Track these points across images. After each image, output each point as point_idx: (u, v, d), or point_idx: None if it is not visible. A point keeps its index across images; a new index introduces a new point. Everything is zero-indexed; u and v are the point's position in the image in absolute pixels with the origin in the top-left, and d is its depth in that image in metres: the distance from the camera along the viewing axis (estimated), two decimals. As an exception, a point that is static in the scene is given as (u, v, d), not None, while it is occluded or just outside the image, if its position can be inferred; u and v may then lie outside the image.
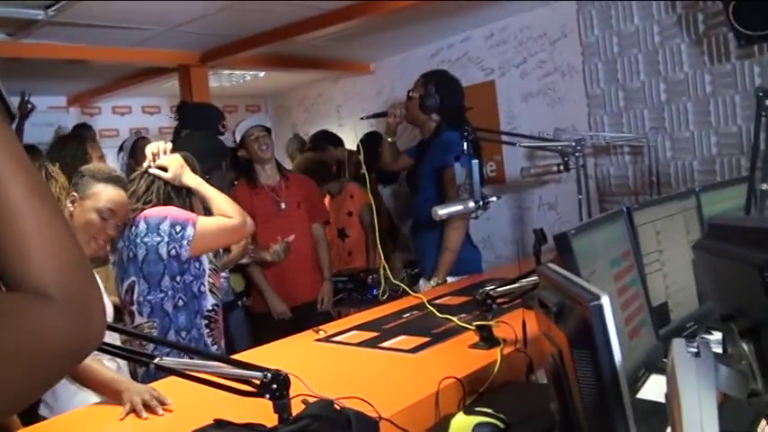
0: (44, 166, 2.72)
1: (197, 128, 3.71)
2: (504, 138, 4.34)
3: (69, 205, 2.37)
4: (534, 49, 4.88)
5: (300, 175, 4.34)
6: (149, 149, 2.68)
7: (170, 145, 2.71)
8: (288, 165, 5.17)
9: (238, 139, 3.91)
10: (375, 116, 4.07)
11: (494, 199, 3.18)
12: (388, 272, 3.24)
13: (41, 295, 0.72)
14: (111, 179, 2.44)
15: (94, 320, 0.75)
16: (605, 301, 1.09)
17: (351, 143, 5.44)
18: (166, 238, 2.47)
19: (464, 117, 3.78)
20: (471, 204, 3.12)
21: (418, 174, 3.85)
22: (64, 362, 0.73)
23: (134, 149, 5.04)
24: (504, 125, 5.04)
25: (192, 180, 2.65)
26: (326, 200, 4.72)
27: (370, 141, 4.53)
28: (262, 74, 6.27)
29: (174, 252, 2.48)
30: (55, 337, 0.71)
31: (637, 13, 4.22)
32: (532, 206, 4.98)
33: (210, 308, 2.58)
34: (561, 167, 3.66)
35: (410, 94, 3.81)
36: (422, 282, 3.68)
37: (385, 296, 3.38)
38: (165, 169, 2.63)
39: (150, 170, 2.64)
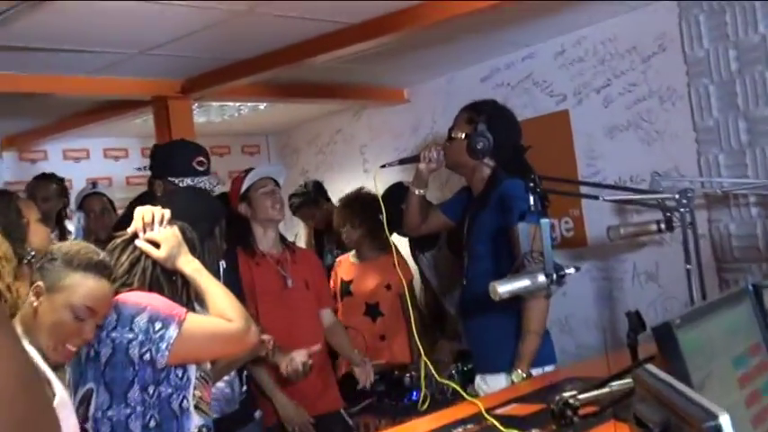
0: None
1: (163, 173, 3.76)
2: (583, 188, 4.33)
3: (33, 299, 2.29)
4: (621, 68, 4.91)
5: (305, 249, 4.50)
6: (139, 214, 2.69)
7: (168, 213, 2.72)
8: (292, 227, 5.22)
9: (244, 188, 3.97)
10: (402, 162, 4.07)
11: (571, 270, 3.15)
12: (432, 369, 3.21)
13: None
14: (91, 266, 2.36)
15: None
16: (725, 420, 1.07)
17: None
18: (141, 337, 2.42)
19: (524, 160, 3.79)
20: (542, 278, 3.09)
21: (469, 236, 3.84)
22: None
23: (87, 207, 5.10)
24: (582, 170, 5.07)
25: (189, 264, 2.64)
26: (348, 259, 4.92)
27: (395, 195, 4.55)
28: (262, 106, 6.37)
29: (147, 356, 2.42)
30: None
31: (762, 18, 4.19)
32: (624, 277, 4.95)
33: (196, 431, 2.56)
34: (662, 226, 3.63)
35: (452, 134, 3.83)
36: (478, 379, 3.64)
37: (426, 404, 3.34)
38: (157, 245, 2.65)
39: (138, 243, 2.65)
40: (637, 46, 4.81)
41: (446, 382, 3.25)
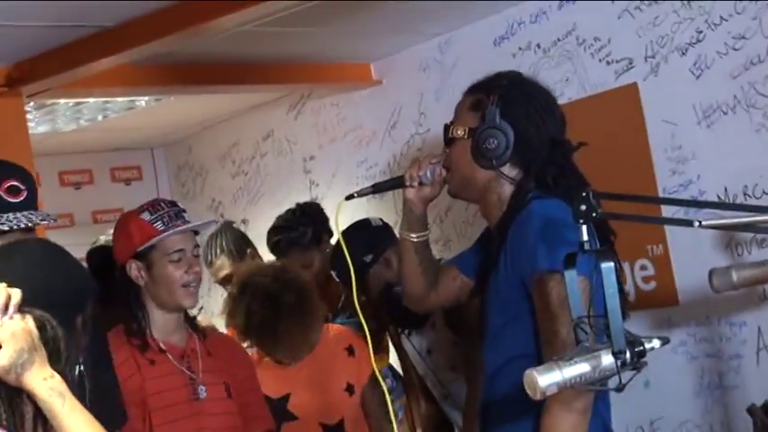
0: None
1: None
2: (666, 210, 4.33)
3: None
4: (718, 16, 4.95)
5: (224, 335, 4.53)
6: None
7: (17, 294, 2.69)
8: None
9: (143, 246, 3.96)
10: (376, 190, 3.96)
11: (656, 344, 3.14)
12: None
13: None
14: None
15: None
16: None
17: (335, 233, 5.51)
18: None
19: (572, 167, 3.74)
20: (608, 359, 3.08)
21: (485, 304, 3.79)
22: None
23: None
24: (663, 180, 5.09)
25: (43, 383, 2.61)
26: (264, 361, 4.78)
27: (358, 241, 4.60)
28: (142, 102, 6.44)
29: None
30: None
31: None
32: (742, 352, 4.95)
33: None
34: (800, 265, 3.64)
35: (450, 131, 3.76)
36: None
37: None
38: None
39: None
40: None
41: None
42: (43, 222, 3.74)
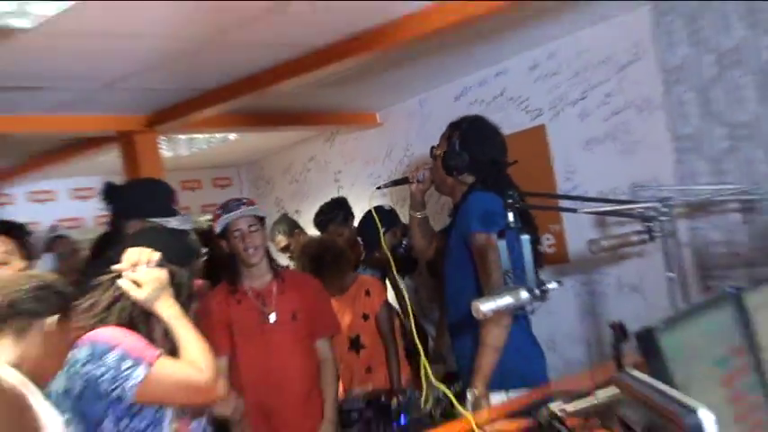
0: None
1: (137, 215, 3.69)
2: (561, 202, 4.37)
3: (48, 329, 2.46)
4: (596, 80, 4.96)
5: (301, 273, 4.41)
6: (128, 255, 2.71)
7: (156, 255, 2.75)
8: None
9: (218, 230, 3.95)
10: (395, 184, 4.05)
11: (554, 285, 3.18)
12: (432, 379, 3.20)
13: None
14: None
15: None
16: (705, 416, 1.10)
17: (357, 220, 5.53)
18: (110, 373, 2.45)
19: (505, 176, 3.78)
20: (524, 294, 3.12)
21: (445, 255, 3.85)
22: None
23: (56, 249, 5.11)
24: (561, 183, 5.12)
25: (168, 309, 2.65)
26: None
27: (369, 221, 4.70)
28: (232, 136, 6.40)
29: (115, 393, 2.46)
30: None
31: (739, 21, 4.19)
32: (608, 291, 4.99)
33: None
34: (643, 236, 3.66)
35: (434, 151, 3.83)
36: (469, 396, 3.64)
37: (427, 405, 3.41)
38: (137, 285, 2.67)
39: (120, 282, 2.67)
40: (611, 56, 4.86)
41: (442, 387, 3.22)
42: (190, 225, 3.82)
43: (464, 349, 3.76)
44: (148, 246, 2.83)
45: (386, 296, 4.99)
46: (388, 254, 3.72)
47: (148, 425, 2.55)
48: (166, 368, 2.54)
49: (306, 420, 4.01)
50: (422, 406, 3.61)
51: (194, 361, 2.59)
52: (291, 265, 5.48)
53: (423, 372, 3.22)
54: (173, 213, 3.71)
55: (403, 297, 5.29)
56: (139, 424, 2.53)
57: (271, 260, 4.14)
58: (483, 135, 3.82)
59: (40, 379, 2.44)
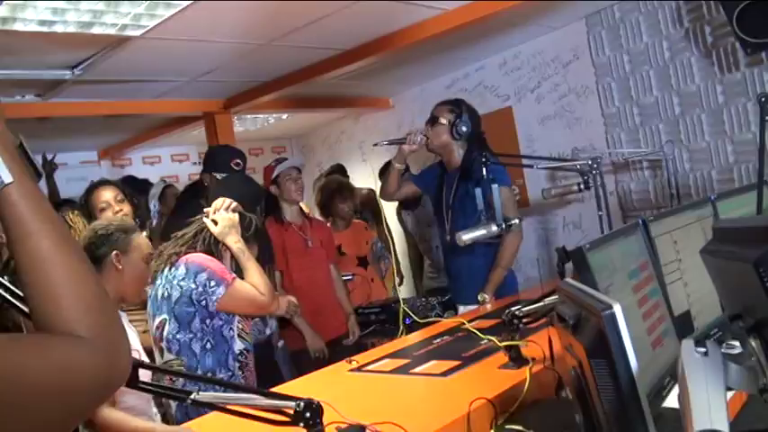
0: (64, 214, 2.80)
1: (209, 170, 3.77)
2: (523, 161, 4.35)
3: (117, 264, 2.39)
4: (548, 73, 4.92)
5: (317, 219, 4.42)
6: (214, 203, 2.75)
7: (235, 204, 2.77)
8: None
9: (274, 175, 3.97)
10: (391, 143, 3.93)
11: (515, 221, 3.20)
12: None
13: (72, 335, 0.76)
14: (136, 229, 2.53)
15: (121, 357, 0.80)
16: (617, 309, 1.11)
17: (375, 179, 5.50)
18: (200, 288, 2.53)
19: (486, 143, 3.75)
20: (494, 228, 3.14)
21: (455, 198, 3.72)
22: (93, 395, 0.78)
23: (162, 197, 5.15)
24: (523, 149, 5.07)
25: (235, 244, 2.70)
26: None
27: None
28: (285, 116, 6.37)
29: (203, 303, 2.54)
30: (84, 371, 0.75)
31: (645, 31, 4.25)
32: (557, 227, 4.99)
33: (239, 352, 2.62)
34: (582, 186, 3.65)
35: (438, 119, 3.71)
36: (461, 309, 3.66)
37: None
38: (215, 223, 2.70)
39: (204, 219, 2.72)
40: (558, 56, 4.81)
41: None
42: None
43: (457, 269, 3.77)
44: (228, 190, 2.87)
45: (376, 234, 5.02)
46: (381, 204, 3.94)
47: (223, 323, 2.59)
48: (239, 289, 2.58)
49: (338, 311, 4.09)
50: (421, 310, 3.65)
51: (257, 285, 2.62)
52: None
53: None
54: (232, 171, 3.71)
55: (405, 228, 5.36)
56: (218, 322, 2.58)
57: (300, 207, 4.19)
58: (476, 114, 3.79)
59: (122, 300, 2.46)
